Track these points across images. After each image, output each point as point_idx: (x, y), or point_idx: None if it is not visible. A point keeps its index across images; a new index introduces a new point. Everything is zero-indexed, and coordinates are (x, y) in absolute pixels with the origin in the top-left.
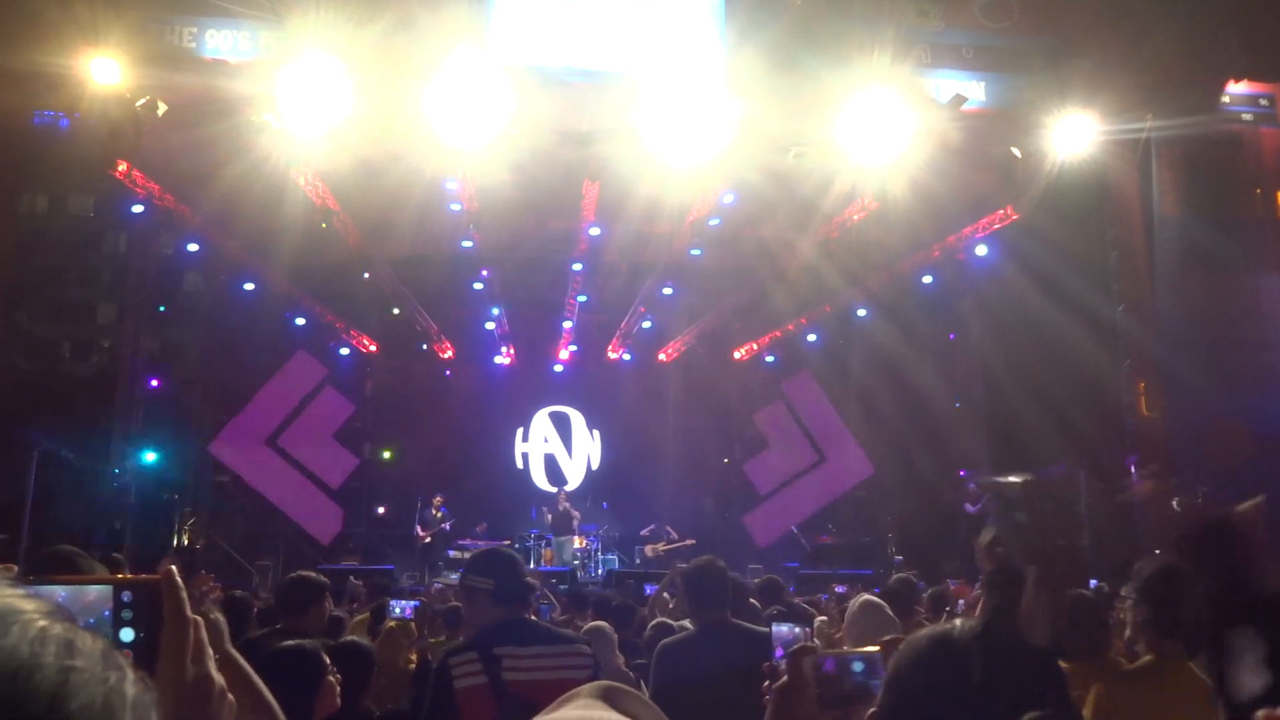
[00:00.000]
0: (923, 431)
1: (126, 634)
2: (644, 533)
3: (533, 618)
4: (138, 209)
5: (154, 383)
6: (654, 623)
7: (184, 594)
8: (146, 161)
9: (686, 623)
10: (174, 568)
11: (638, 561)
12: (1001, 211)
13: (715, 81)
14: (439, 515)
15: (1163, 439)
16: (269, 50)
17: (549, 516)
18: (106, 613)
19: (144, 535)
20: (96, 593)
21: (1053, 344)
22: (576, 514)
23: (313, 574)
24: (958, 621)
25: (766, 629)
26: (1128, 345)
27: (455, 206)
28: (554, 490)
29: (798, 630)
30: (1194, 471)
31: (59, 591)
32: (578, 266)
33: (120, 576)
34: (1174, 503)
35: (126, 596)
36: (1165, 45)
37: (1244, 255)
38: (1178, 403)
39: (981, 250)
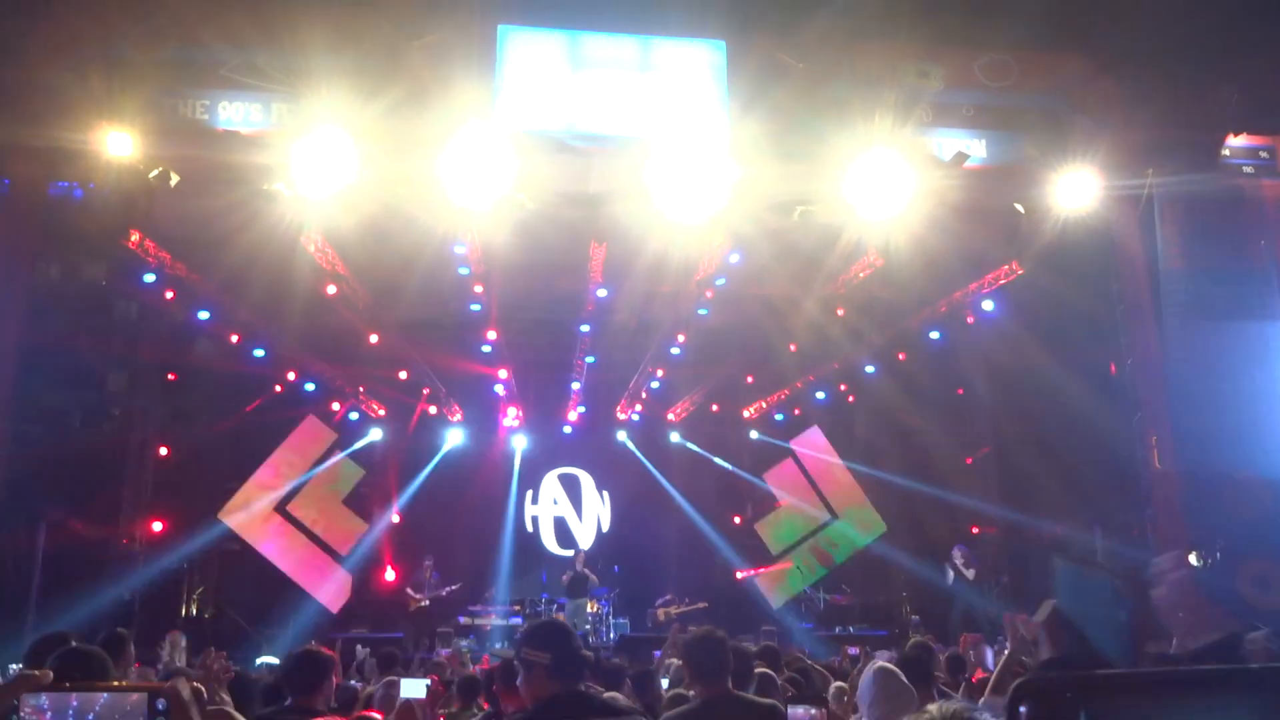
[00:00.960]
0: (933, 489)
1: None
2: (659, 602)
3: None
4: (149, 278)
5: (163, 450)
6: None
7: (192, 711)
8: (158, 230)
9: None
10: (182, 681)
11: (649, 625)
12: (1006, 267)
13: (719, 143)
14: (430, 579)
15: (1178, 492)
16: (281, 121)
17: (565, 579)
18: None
19: (153, 605)
20: (135, 699)
21: (1061, 399)
22: (594, 577)
23: (319, 649)
24: (931, 708)
25: (771, 701)
26: (1137, 399)
27: (463, 270)
28: (568, 553)
29: (814, 713)
30: (1209, 526)
31: (100, 697)
32: (585, 328)
33: (155, 684)
34: (1191, 556)
35: (161, 704)
36: (1164, 101)
37: (1249, 306)
38: (1191, 455)
39: (987, 305)
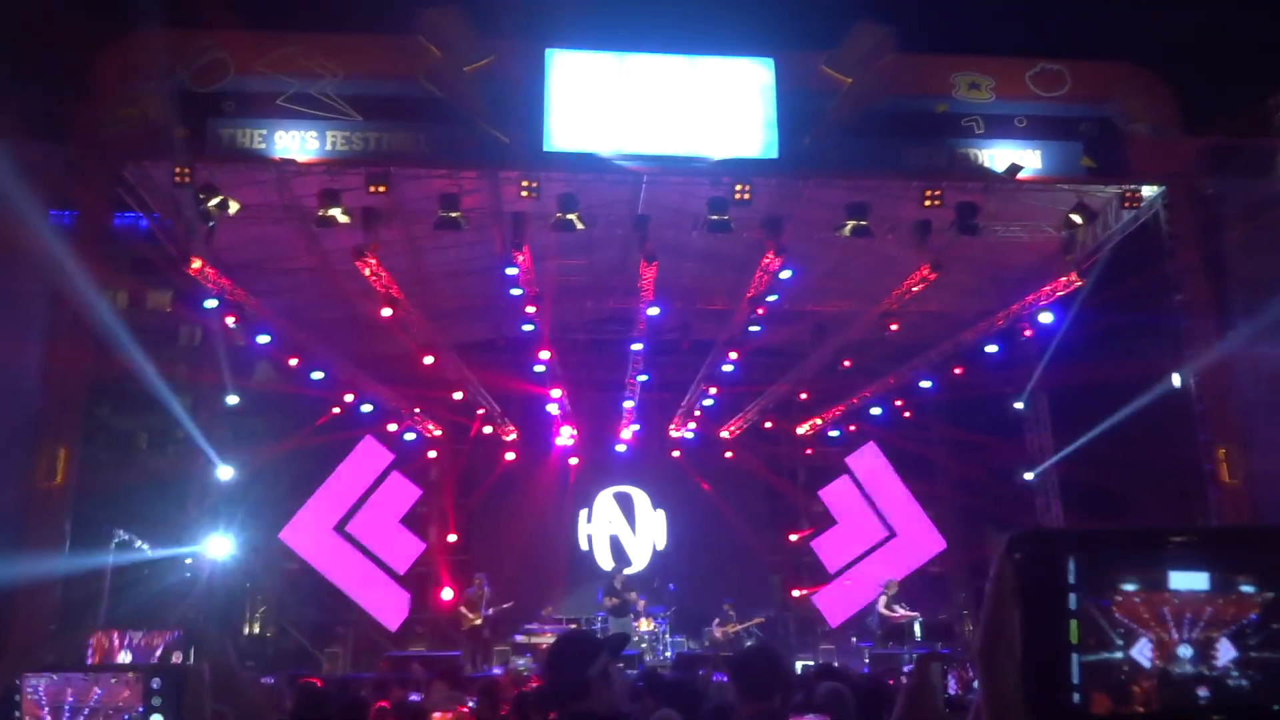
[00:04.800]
0: (995, 504)
1: None
2: (716, 620)
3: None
4: (211, 304)
5: (226, 472)
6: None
7: (203, 693)
8: (219, 257)
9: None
10: (204, 664)
11: (706, 644)
12: (1064, 279)
13: (768, 161)
14: (482, 593)
15: (1248, 506)
16: (335, 148)
17: (607, 599)
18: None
19: (216, 624)
20: (128, 679)
21: (1123, 412)
22: (631, 595)
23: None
24: None
25: None
26: (1204, 411)
27: (516, 291)
28: (626, 572)
29: None
30: None
31: (95, 690)
32: (638, 346)
33: (149, 665)
34: None
35: (155, 683)
36: (1223, 107)
37: None
38: (1261, 468)
39: (1046, 317)
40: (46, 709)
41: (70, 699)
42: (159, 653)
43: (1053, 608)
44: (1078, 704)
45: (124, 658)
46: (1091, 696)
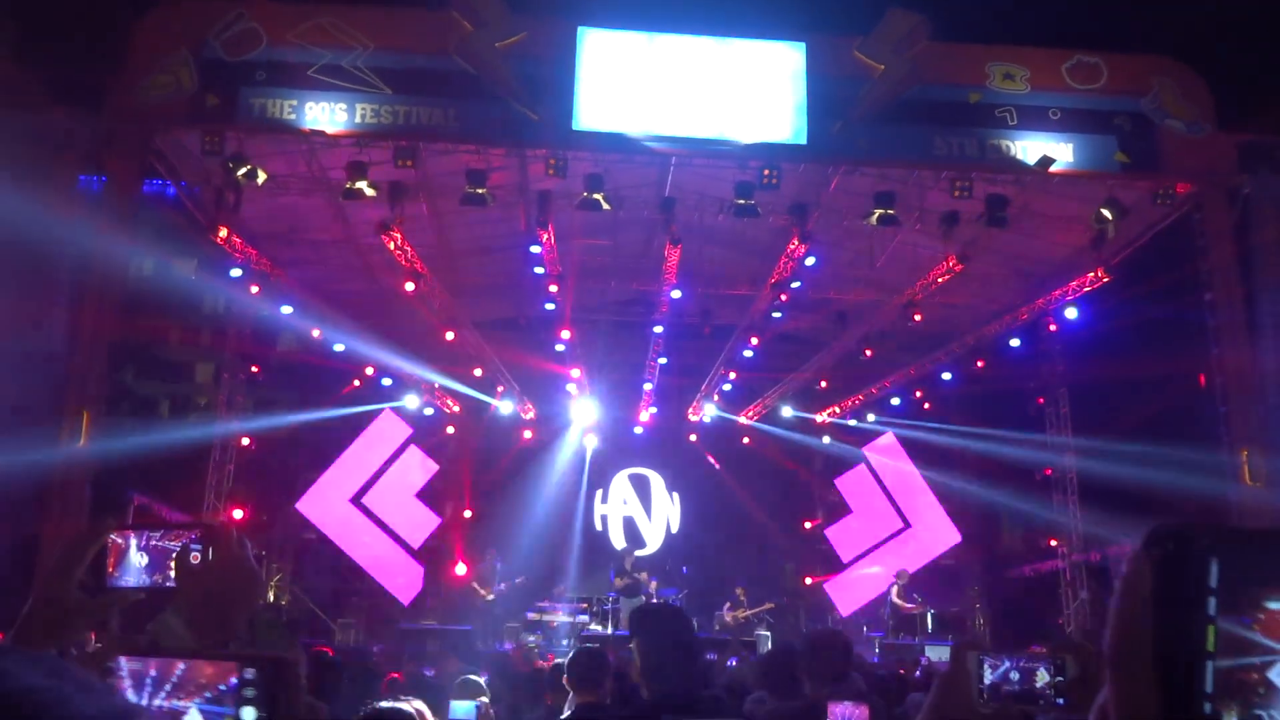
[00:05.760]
0: (1011, 498)
1: (248, 713)
2: (727, 605)
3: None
4: (236, 273)
5: (246, 440)
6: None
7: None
8: (245, 226)
9: None
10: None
11: (716, 628)
12: (1092, 274)
13: (796, 146)
14: (494, 568)
15: (1270, 510)
16: (365, 120)
17: (619, 579)
18: (230, 685)
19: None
20: (217, 667)
21: (1147, 409)
22: (643, 576)
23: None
24: None
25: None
26: (1228, 411)
27: (539, 270)
28: (638, 553)
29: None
30: None
31: (179, 664)
32: (659, 329)
33: (244, 653)
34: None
35: (249, 674)
36: (1260, 103)
37: None
38: None
39: (1071, 313)
40: (129, 683)
41: (153, 672)
42: (175, 553)
43: (1190, 611)
44: (1209, 714)
45: (139, 560)
46: (1223, 710)
